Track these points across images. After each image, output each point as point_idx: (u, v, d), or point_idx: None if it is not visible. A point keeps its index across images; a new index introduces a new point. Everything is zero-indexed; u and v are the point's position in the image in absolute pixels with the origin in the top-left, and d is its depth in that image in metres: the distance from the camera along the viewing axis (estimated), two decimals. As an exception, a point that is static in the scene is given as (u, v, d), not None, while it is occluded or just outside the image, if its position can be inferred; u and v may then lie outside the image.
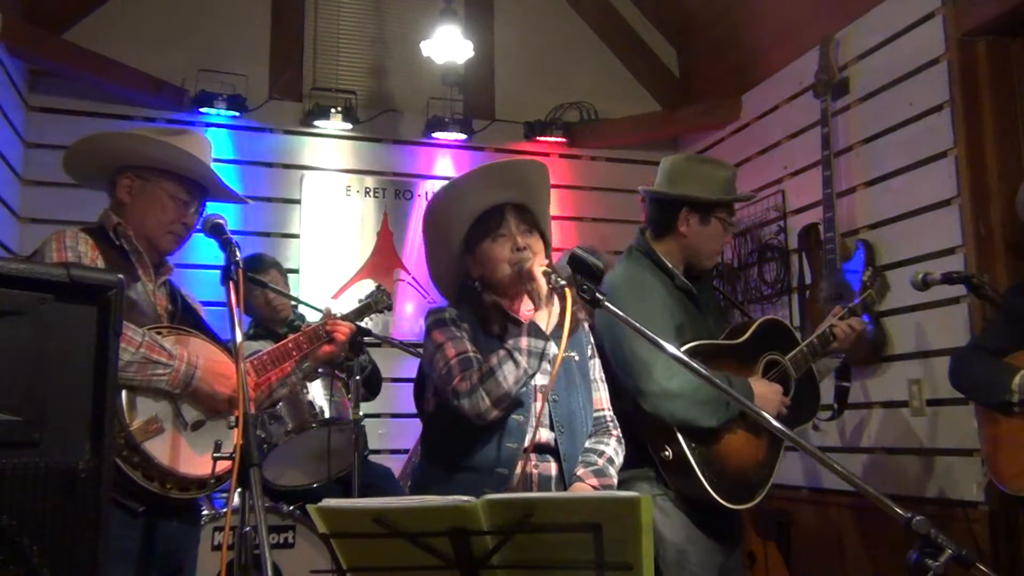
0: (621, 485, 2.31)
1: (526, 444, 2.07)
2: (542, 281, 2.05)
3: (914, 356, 3.53)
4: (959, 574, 1.38)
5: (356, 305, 2.83)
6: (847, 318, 2.75)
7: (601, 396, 2.31)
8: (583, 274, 1.99)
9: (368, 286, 4.60)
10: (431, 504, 1.41)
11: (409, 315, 4.74)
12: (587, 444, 2.21)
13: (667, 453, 2.43)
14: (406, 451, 4.23)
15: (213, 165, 2.33)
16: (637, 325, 1.84)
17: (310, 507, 1.42)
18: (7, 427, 1.29)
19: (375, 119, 4.89)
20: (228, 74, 4.57)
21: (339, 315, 2.58)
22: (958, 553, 1.34)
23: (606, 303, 1.91)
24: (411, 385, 2.78)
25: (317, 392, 3.36)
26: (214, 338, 2.26)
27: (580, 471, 2.13)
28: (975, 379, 2.76)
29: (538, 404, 2.10)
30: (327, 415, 3.34)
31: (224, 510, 2.63)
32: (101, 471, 1.37)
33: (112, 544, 1.92)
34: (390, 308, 2.95)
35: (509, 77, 5.20)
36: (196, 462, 2.07)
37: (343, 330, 2.46)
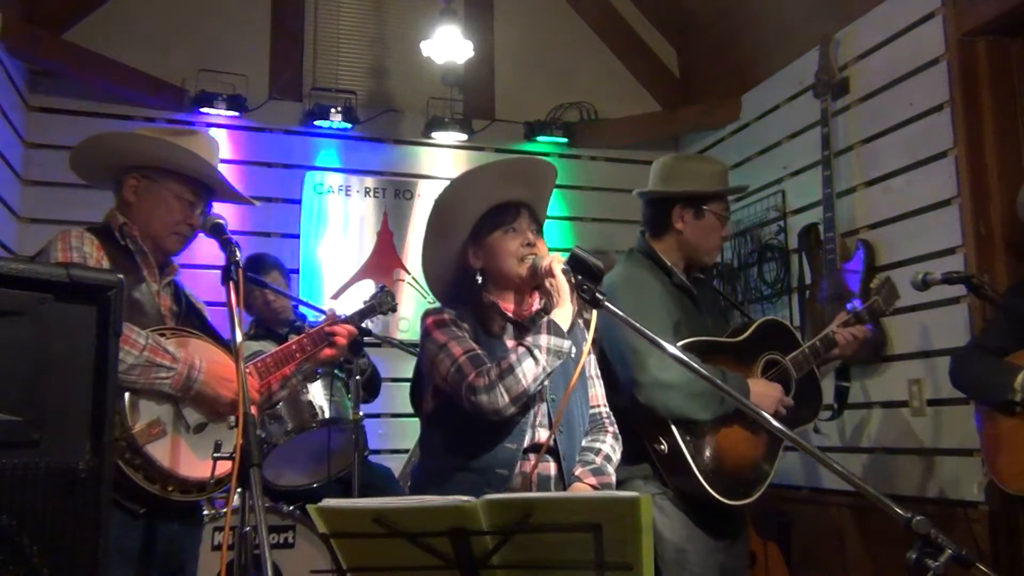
0: (620, 484, 2.31)
1: (525, 444, 2.08)
2: (563, 279, 2.05)
3: (914, 356, 3.53)
4: (959, 574, 1.38)
5: (360, 307, 2.82)
6: (851, 324, 2.75)
7: (597, 392, 2.31)
8: (583, 274, 2.00)
9: (368, 286, 4.61)
10: (431, 504, 1.41)
11: (409, 315, 4.74)
12: (584, 442, 2.21)
13: (662, 447, 2.44)
14: (406, 451, 4.23)
15: (219, 166, 2.33)
16: (635, 323, 1.84)
17: (310, 507, 1.42)
18: (7, 427, 1.29)
19: (375, 119, 4.89)
20: (228, 74, 4.57)
21: (343, 316, 2.57)
22: (958, 553, 1.34)
23: (606, 303, 1.92)
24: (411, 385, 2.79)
25: (317, 392, 3.36)
26: (218, 339, 2.26)
27: (578, 470, 2.14)
28: (976, 379, 2.76)
29: (538, 404, 2.11)
30: (327, 415, 3.34)
31: (224, 510, 2.63)
32: (101, 471, 1.37)
33: (113, 545, 1.92)
34: (394, 310, 2.93)
35: (509, 77, 5.20)
36: (198, 465, 2.07)
37: (344, 333, 2.45)
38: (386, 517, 1.38)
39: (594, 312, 1.94)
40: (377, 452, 4.27)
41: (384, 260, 4.84)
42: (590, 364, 2.31)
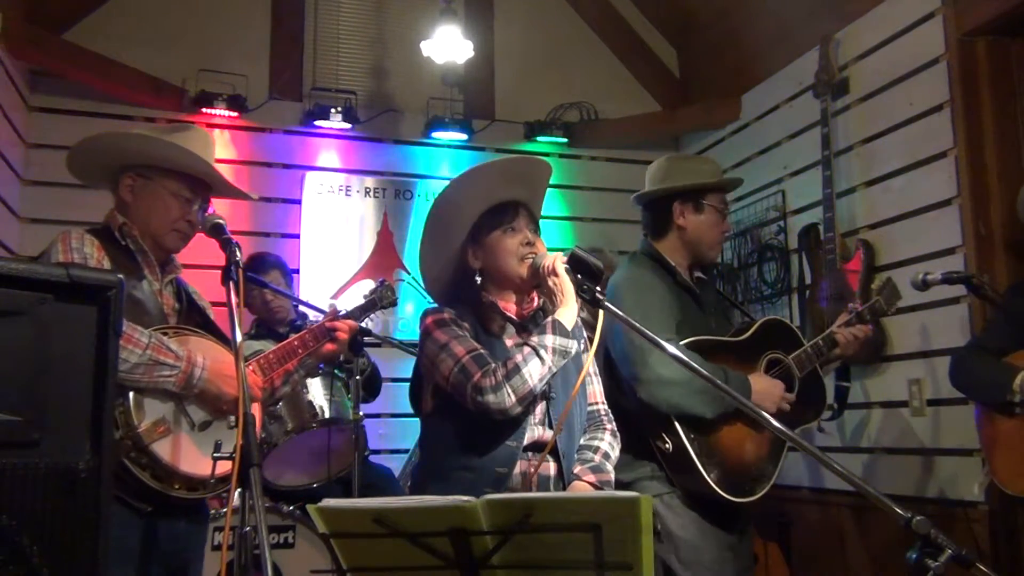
0: (627, 486, 2.31)
1: (525, 442, 2.08)
2: (567, 278, 2.05)
3: (914, 356, 3.53)
4: (959, 574, 1.38)
5: (361, 302, 2.82)
6: (852, 324, 2.75)
7: (595, 390, 2.32)
8: (583, 274, 2.00)
9: (368, 286, 4.60)
10: (431, 504, 1.41)
11: (409, 315, 4.74)
12: (582, 440, 2.21)
13: (667, 445, 2.44)
14: (406, 451, 4.23)
15: (216, 161, 2.33)
16: (636, 324, 1.85)
17: (310, 507, 1.42)
18: (7, 427, 1.29)
19: (375, 119, 4.89)
20: (228, 74, 4.57)
21: (343, 312, 2.58)
22: (958, 553, 1.34)
23: (606, 303, 1.92)
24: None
25: (317, 392, 3.36)
26: (220, 337, 2.25)
27: (577, 468, 2.14)
28: (976, 379, 2.76)
29: (538, 402, 2.11)
30: (327, 415, 3.34)
31: (224, 510, 2.63)
32: (101, 471, 1.37)
33: (119, 543, 1.94)
34: (395, 304, 2.92)
35: (509, 77, 5.20)
36: (203, 463, 2.07)
37: (345, 328, 2.46)
38: (386, 517, 1.38)
39: (600, 314, 1.94)
40: (377, 452, 4.27)
41: (384, 260, 4.84)
42: (588, 361, 2.32)
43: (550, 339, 2.04)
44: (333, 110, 4.69)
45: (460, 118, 4.95)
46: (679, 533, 2.46)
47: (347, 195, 4.82)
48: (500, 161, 2.28)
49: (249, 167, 4.70)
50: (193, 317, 2.30)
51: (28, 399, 1.32)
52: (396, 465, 4.11)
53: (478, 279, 2.22)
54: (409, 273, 4.81)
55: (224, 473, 2.02)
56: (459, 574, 1.41)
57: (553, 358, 2.03)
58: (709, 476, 2.40)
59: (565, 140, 5.15)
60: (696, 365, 1.77)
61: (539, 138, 5.12)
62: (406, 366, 4.37)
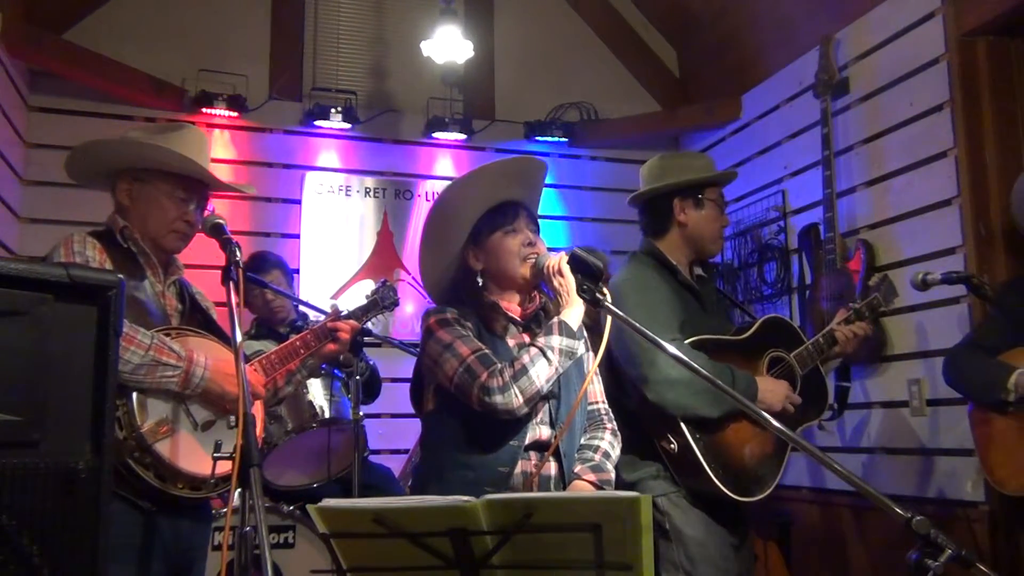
0: (632, 486, 2.31)
1: (527, 442, 2.08)
2: (571, 278, 2.05)
3: (914, 356, 3.53)
4: (959, 574, 1.38)
5: (363, 302, 2.81)
6: (851, 322, 2.75)
7: (595, 389, 2.32)
8: (583, 274, 2.00)
9: (368, 286, 4.60)
10: (431, 504, 1.41)
11: (409, 315, 4.73)
12: (582, 440, 2.21)
13: (672, 445, 2.44)
14: (406, 451, 4.23)
15: (210, 159, 2.33)
16: (637, 325, 1.85)
17: (310, 507, 1.42)
18: (7, 427, 1.29)
19: (375, 119, 4.89)
20: (228, 74, 4.57)
21: (345, 312, 2.58)
22: (958, 553, 1.34)
23: (606, 303, 1.92)
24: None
25: (317, 392, 3.36)
26: (222, 337, 2.26)
27: (577, 468, 2.14)
28: (970, 377, 2.75)
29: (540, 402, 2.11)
30: (327, 415, 3.34)
31: (224, 510, 2.63)
32: (101, 471, 1.37)
33: (123, 542, 1.95)
34: (396, 304, 2.92)
35: (509, 77, 5.20)
36: (206, 462, 2.07)
37: (347, 328, 2.46)
38: (386, 517, 1.38)
39: (608, 317, 1.94)
40: (377, 452, 4.27)
41: (384, 260, 4.84)
42: (588, 361, 2.32)
43: (557, 340, 2.04)
44: (333, 110, 4.69)
45: (460, 118, 4.94)
46: (687, 531, 2.47)
47: (347, 195, 4.82)
48: (496, 163, 2.28)
49: (249, 167, 4.70)
50: (195, 318, 2.31)
51: (28, 399, 1.32)
52: (396, 465, 4.11)
53: (479, 280, 2.22)
54: (409, 273, 4.81)
55: (224, 473, 2.02)
56: (459, 574, 1.41)
57: (560, 359, 2.03)
58: (715, 476, 2.40)
59: (565, 140, 5.14)
60: (697, 366, 1.77)
61: (539, 138, 5.12)
62: (406, 366, 4.36)
